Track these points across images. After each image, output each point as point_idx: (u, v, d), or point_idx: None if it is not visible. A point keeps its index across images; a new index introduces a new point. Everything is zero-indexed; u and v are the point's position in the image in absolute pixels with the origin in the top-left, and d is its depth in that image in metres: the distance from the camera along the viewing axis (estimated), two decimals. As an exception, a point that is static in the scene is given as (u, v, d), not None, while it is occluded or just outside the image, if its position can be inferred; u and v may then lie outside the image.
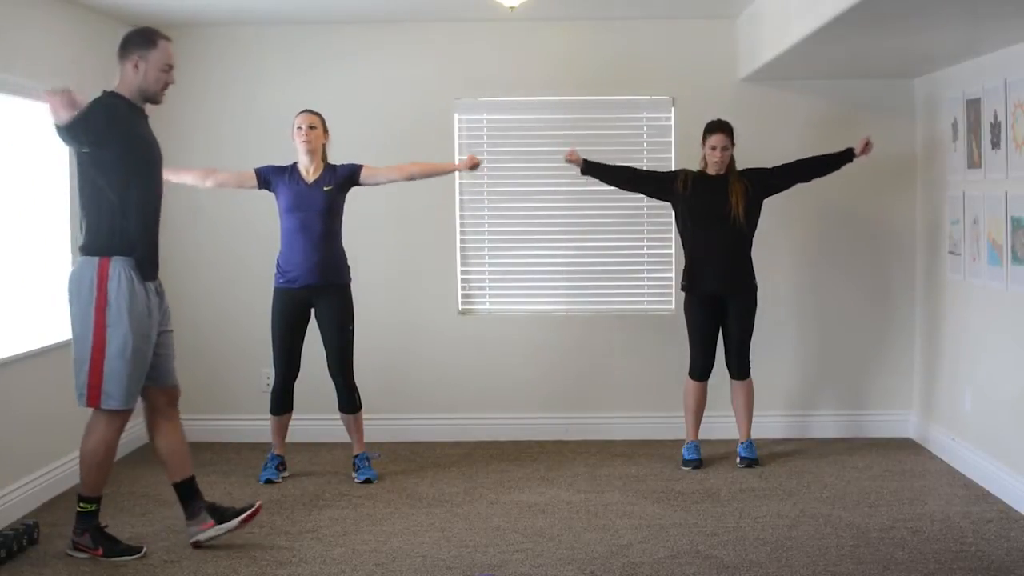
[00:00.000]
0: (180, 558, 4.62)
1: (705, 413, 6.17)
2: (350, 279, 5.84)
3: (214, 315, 6.77)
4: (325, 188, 5.70)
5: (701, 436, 6.18)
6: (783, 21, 5.38)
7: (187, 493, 4.78)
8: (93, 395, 4.50)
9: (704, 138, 5.98)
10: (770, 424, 6.61)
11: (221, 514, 4.78)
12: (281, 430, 5.92)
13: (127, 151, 4.49)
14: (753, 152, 6.19)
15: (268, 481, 5.80)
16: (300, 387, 5.91)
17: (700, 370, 6.09)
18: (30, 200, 5.58)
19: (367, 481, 5.81)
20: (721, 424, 6.36)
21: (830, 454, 6.32)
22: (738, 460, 6.09)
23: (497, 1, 5.71)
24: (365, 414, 5.95)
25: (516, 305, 6.84)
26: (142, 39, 4.58)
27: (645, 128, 6.77)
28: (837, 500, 5.39)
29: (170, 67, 4.62)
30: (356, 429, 5.89)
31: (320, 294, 5.74)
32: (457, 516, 5.17)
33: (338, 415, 5.93)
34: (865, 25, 4.68)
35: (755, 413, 6.18)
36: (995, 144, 5.42)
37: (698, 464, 6.05)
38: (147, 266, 4.59)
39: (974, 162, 5.70)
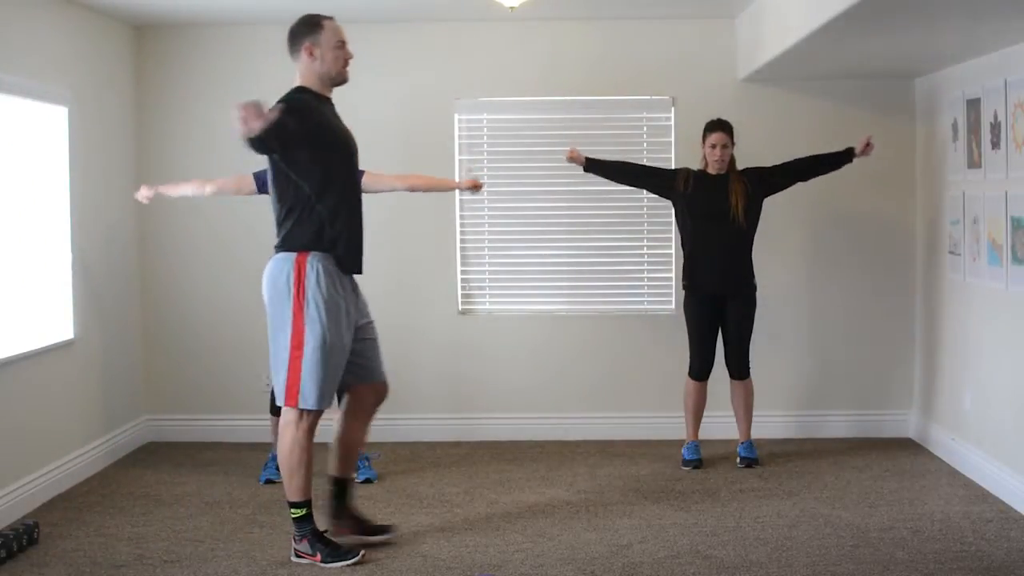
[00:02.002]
0: (180, 558, 4.62)
1: (705, 413, 6.17)
2: (350, 279, 5.83)
3: (214, 316, 6.76)
4: (326, 190, 5.69)
5: (701, 436, 6.18)
6: (783, 21, 5.38)
7: (342, 491, 4.74)
8: (290, 394, 4.42)
9: (704, 137, 5.99)
10: (770, 424, 6.60)
11: (362, 525, 4.74)
12: (281, 430, 5.91)
13: (321, 146, 4.43)
14: (753, 152, 6.19)
15: (268, 481, 5.79)
16: (300, 387, 5.90)
17: (700, 370, 6.09)
18: (30, 200, 5.57)
19: (367, 481, 5.80)
20: (721, 424, 6.36)
21: (830, 454, 6.32)
22: (738, 460, 6.09)
23: (497, 1, 5.71)
24: (365, 414, 5.94)
25: (516, 305, 6.84)
26: (307, 26, 4.52)
27: (645, 128, 6.77)
28: (837, 500, 5.39)
29: (343, 43, 4.54)
30: (356, 429, 5.89)
31: (320, 294, 5.72)
32: (457, 516, 5.17)
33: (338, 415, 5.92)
34: (865, 25, 4.68)
35: (755, 413, 6.18)
36: (995, 144, 5.41)
37: (698, 464, 6.04)
38: (348, 260, 4.52)
39: (974, 162, 5.70)
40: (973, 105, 5.68)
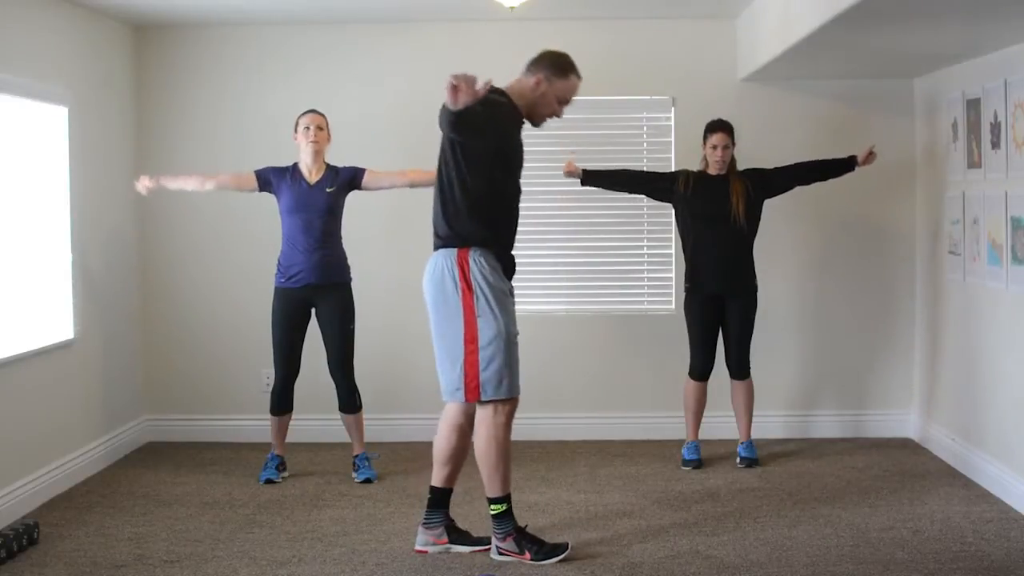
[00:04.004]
0: (180, 558, 4.62)
1: (705, 413, 6.17)
2: (351, 278, 5.84)
3: (214, 316, 6.76)
4: (328, 189, 5.70)
5: (701, 436, 6.18)
6: (783, 21, 5.38)
7: (438, 500, 4.67)
8: (471, 389, 4.38)
9: (705, 138, 5.99)
10: (770, 424, 6.61)
11: (458, 535, 4.69)
12: (281, 430, 5.92)
13: (498, 147, 4.42)
14: (753, 152, 6.20)
15: (268, 481, 5.80)
16: (300, 387, 5.91)
17: (700, 370, 6.09)
18: (30, 200, 5.58)
19: (367, 481, 5.81)
20: (721, 424, 6.36)
21: (830, 454, 6.32)
22: (738, 460, 6.09)
23: (497, 1, 5.71)
24: (365, 414, 5.95)
25: (516, 305, 6.80)
26: (557, 65, 4.56)
27: (645, 128, 6.77)
28: (837, 500, 5.39)
29: (567, 102, 4.58)
30: (356, 429, 5.89)
31: (321, 294, 5.74)
32: (457, 516, 5.15)
33: (338, 415, 5.93)
34: (865, 25, 4.68)
35: (755, 413, 6.18)
36: (995, 144, 5.41)
37: (698, 464, 6.04)
38: (506, 263, 4.50)
39: (974, 162, 5.70)
40: (973, 105, 5.68)
